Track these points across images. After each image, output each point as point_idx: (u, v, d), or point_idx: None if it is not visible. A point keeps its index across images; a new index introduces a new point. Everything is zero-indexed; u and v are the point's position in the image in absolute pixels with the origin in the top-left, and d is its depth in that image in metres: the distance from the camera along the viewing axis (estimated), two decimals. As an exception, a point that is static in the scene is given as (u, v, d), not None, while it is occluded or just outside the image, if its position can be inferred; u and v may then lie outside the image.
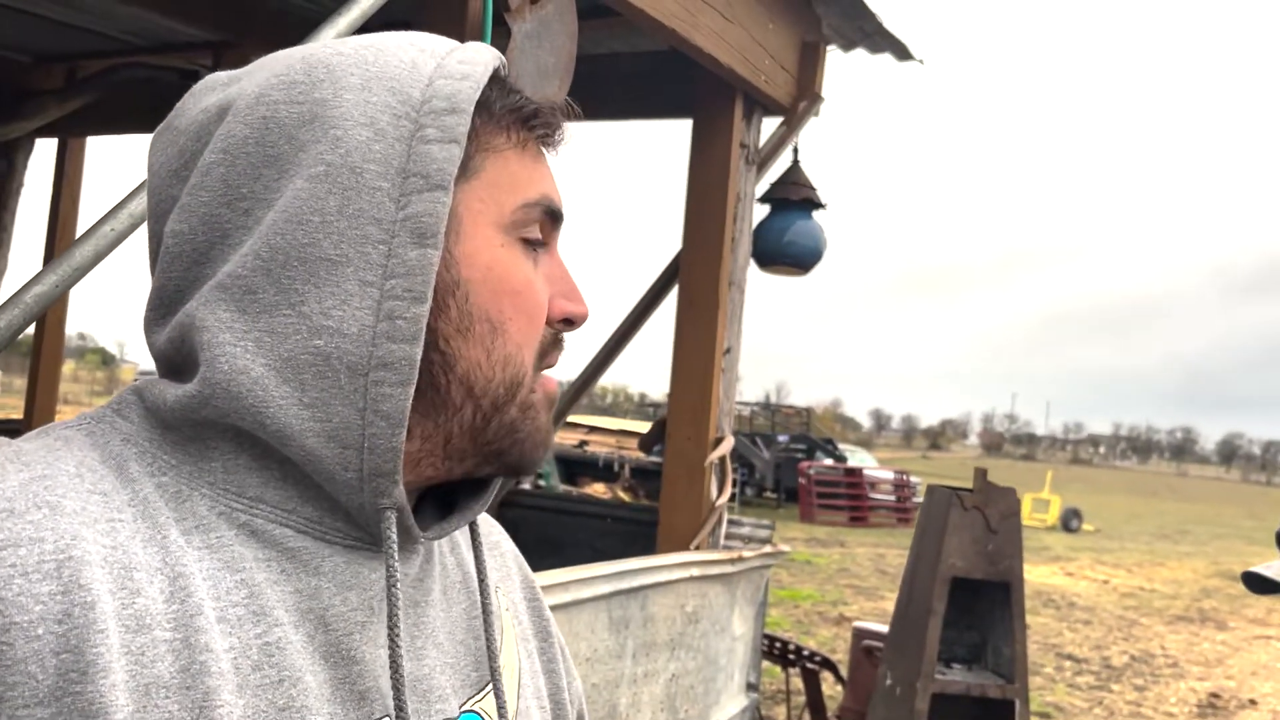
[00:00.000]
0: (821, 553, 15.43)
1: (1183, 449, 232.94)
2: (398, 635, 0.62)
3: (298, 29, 4.50)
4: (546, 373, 0.70)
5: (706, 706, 3.49)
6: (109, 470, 0.59)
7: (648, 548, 3.54)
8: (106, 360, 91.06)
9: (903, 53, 4.23)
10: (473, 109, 0.64)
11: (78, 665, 0.51)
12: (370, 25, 1.84)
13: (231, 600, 0.58)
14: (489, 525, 0.85)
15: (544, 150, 0.71)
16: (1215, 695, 8.72)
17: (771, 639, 5.30)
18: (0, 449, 0.57)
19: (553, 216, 0.69)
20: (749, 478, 22.84)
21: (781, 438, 25.84)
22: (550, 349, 0.70)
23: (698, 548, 3.51)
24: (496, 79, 0.68)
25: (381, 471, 0.61)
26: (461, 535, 0.79)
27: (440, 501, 0.73)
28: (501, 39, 2.26)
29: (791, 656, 5.30)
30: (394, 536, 0.62)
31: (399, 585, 0.62)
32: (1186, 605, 13.95)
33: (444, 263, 0.64)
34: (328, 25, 1.77)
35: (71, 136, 5.63)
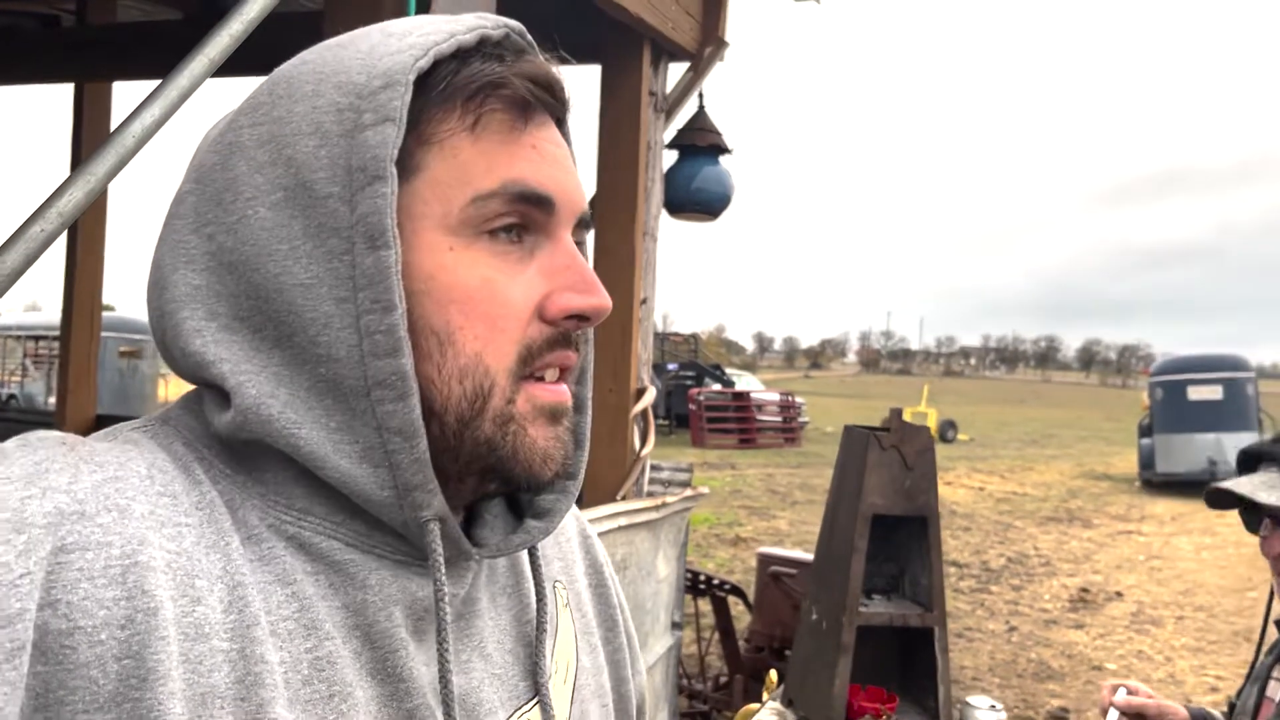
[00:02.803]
0: (714, 476, 15.80)
1: (1046, 357, 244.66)
2: (447, 654, 0.61)
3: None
4: (550, 381, 0.64)
5: (637, 648, 3.58)
6: (179, 472, 0.58)
7: (572, 498, 3.57)
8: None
9: (799, -8, 4.25)
10: (410, 81, 0.58)
11: (138, 671, 0.51)
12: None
13: (282, 614, 0.58)
14: None
15: (528, 122, 0.62)
16: (1084, 590, 9.37)
17: (683, 570, 5.45)
18: (76, 449, 0.56)
19: (533, 200, 0.61)
20: (641, 406, 23.06)
21: (671, 366, 26.16)
22: (544, 351, 0.62)
23: (623, 498, 3.57)
24: (476, 50, 0.60)
25: (413, 485, 0.59)
26: None
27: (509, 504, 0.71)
28: None
29: (702, 586, 5.47)
30: (439, 548, 0.60)
31: (447, 601, 0.61)
32: (1055, 506, 14.86)
33: None
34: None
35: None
